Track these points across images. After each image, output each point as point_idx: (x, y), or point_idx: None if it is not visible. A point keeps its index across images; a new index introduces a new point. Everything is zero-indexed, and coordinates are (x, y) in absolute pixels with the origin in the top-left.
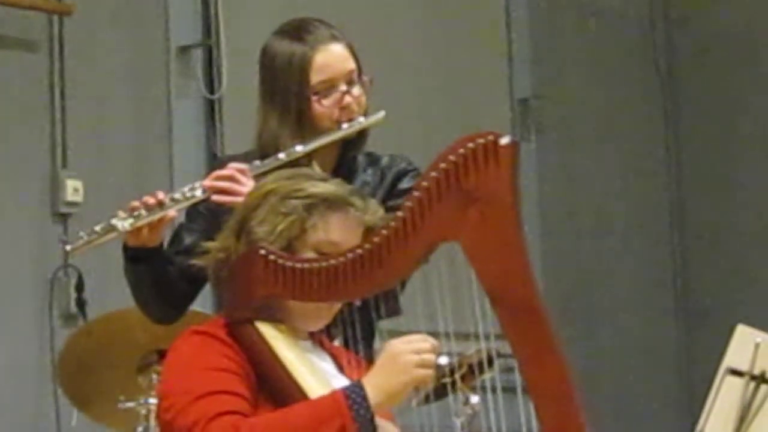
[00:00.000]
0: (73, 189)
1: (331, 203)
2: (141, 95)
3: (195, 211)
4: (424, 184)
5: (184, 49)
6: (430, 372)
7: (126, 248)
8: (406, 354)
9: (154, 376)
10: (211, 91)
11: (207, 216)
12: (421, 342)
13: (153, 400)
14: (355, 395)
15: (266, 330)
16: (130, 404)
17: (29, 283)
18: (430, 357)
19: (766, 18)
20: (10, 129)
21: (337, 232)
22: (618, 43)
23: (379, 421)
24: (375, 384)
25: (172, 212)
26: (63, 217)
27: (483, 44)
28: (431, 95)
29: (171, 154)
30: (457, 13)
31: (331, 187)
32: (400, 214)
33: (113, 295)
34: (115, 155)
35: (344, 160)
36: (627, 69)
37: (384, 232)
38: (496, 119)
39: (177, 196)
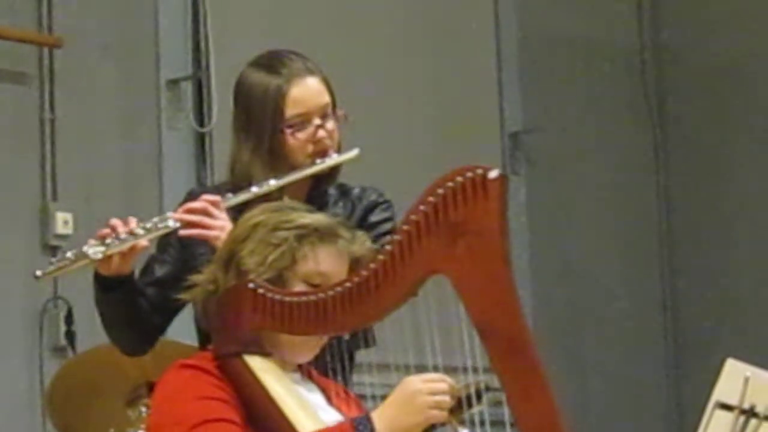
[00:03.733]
0: (62, 221)
1: (321, 234)
2: (131, 128)
3: (166, 242)
4: (413, 217)
5: (174, 82)
6: (444, 414)
7: (97, 277)
8: (423, 394)
9: (144, 409)
10: (201, 124)
11: (178, 247)
12: (439, 382)
13: None
14: (362, 427)
15: (255, 363)
16: None
17: (19, 315)
18: (445, 399)
19: (756, 50)
20: (0, 161)
21: (326, 263)
22: (609, 77)
23: None
24: (385, 418)
25: (143, 241)
26: (52, 250)
27: (473, 78)
28: (421, 128)
29: (161, 186)
30: (447, 46)
31: (319, 218)
32: (388, 247)
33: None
34: (104, 188)
35: (315, 193)
36: (617, 102)
37: (373, 265)
38: (486, 153)
39: (149, 225)
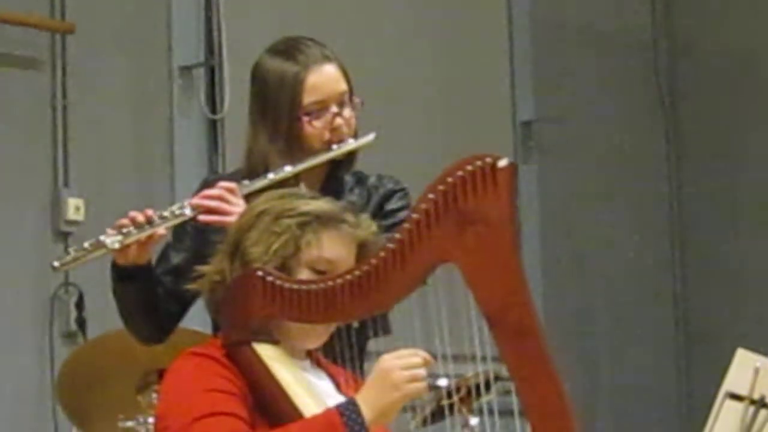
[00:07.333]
0: (74, 207)
1: (323, 220)
2: (143, 114)
3: (182, 230)
4: (422, 206)
5: (187, 69)
6: (422, 386)
7: (115, 267)
8: (397, 370)
9: (154, 395)
10: (213, 111)
11: (194, 235)
12: (412, 357)
13: (152, 420)
14: (349, 412)
15: (263, 351)
16: (130, 423)
17: (30, 301)
18: (421, 372)
19: None
20: (12, 147)
21: (330, 249)
22: (620, 67)
23: None
24: (368, 401)
25: (160, 230)
26: (64, 236)
27: (486, 67)
28: (433, 117)
29: (173, 173)
30: (460, 35)
31: (323, 204)
32: (398, 236)
33: (113, 313)
34: (116, 174)
35: (331, 180)
36: (629, 92)
37: (382, 253)
38: (498, 142)
39: (166, 214)
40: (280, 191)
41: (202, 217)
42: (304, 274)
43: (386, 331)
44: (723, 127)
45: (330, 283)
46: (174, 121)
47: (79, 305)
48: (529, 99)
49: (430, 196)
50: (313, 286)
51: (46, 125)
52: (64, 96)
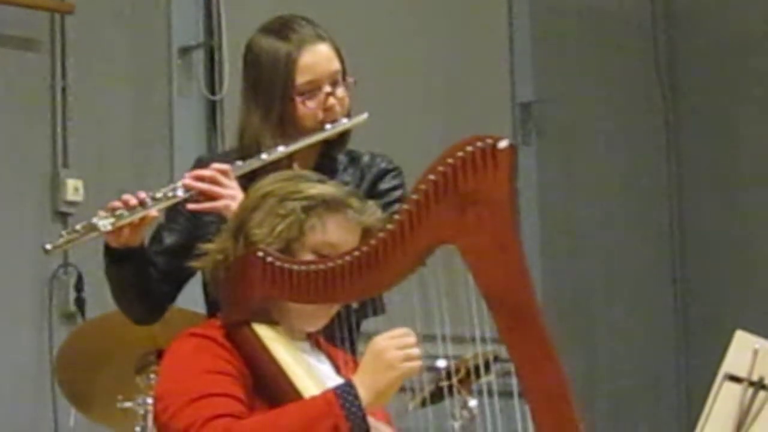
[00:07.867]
0: (73, 188)
1: (329, 205)
2: (142, 95)
3: (175, 210)
4: (422, 186)
5: (186, 50)
6: (417, 364)
7: (107, 249)
8: (391, 349)
9: (153, 376)
10: (212, 92)
11: (187, 215)
12: (405, 336)
13: (151, 400)
14: (346, 394)
15: (263, 332)
16: (128, 404)
17: (29, 281)
18: (415, 350)
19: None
20: (11, 128)
21: (335, 234)
22: (620, 48)
23: (371, 420)
24: (364, 382)
25: (153, 212)
26: (63, 216)
27: (485, 48)
28: (433, 99)
29: (172, 154)
30: (460, 16)
31: (329, 188)
32: (397, 216)
33: None
34: (115, 155)
35: (324, 159)
36: (629, 74)
37: (381, 234)
38: (497, 123)
39: (158, 195)
40: (288, 173)
41: (191, 206)
42: (308, 258)
43: (378, 311)
44: (722, 108)
45: (330, 264)
46: (173, 102)
47: (78, 286)
48: (529, 80)
49: (430, 177)
50: (313, 267)
51: (46, 106)
52: (64, 77)
